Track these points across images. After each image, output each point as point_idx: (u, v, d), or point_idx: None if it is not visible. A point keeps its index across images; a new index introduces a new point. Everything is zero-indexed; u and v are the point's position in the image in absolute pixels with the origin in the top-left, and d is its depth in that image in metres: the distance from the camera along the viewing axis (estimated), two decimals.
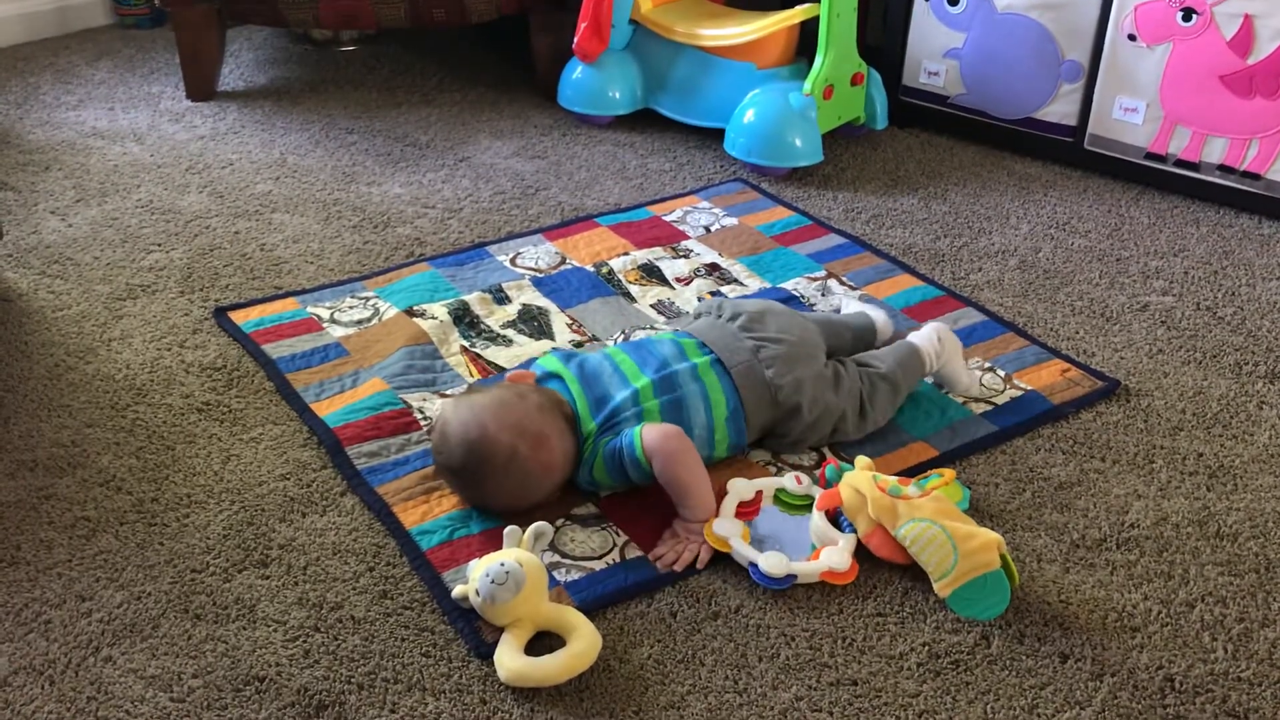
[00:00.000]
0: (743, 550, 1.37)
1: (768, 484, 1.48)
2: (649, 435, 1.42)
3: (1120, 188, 2.35)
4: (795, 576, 1.35)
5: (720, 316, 1.64)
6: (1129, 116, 2.29)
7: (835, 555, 1.38)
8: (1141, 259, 2.11)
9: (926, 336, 1.68)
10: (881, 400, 1.60)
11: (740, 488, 1.46)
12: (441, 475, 1.49)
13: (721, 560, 1.39)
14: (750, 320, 1.60)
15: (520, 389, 1.49)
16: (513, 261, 2.03)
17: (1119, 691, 1.25)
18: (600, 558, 1.40)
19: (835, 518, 1.43)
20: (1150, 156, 2.29)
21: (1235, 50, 2.14)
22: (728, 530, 1.39)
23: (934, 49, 2.49)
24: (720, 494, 1.45)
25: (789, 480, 1.49)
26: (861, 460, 1.47)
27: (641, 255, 2.05)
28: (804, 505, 1.47)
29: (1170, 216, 2.25)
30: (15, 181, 2.28)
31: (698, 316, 1.69)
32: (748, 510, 1.45)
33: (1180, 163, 2.27)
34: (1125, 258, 2.11)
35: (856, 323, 1.77)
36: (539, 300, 1.92)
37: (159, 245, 2.07)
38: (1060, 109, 2.37)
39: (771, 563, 1.34)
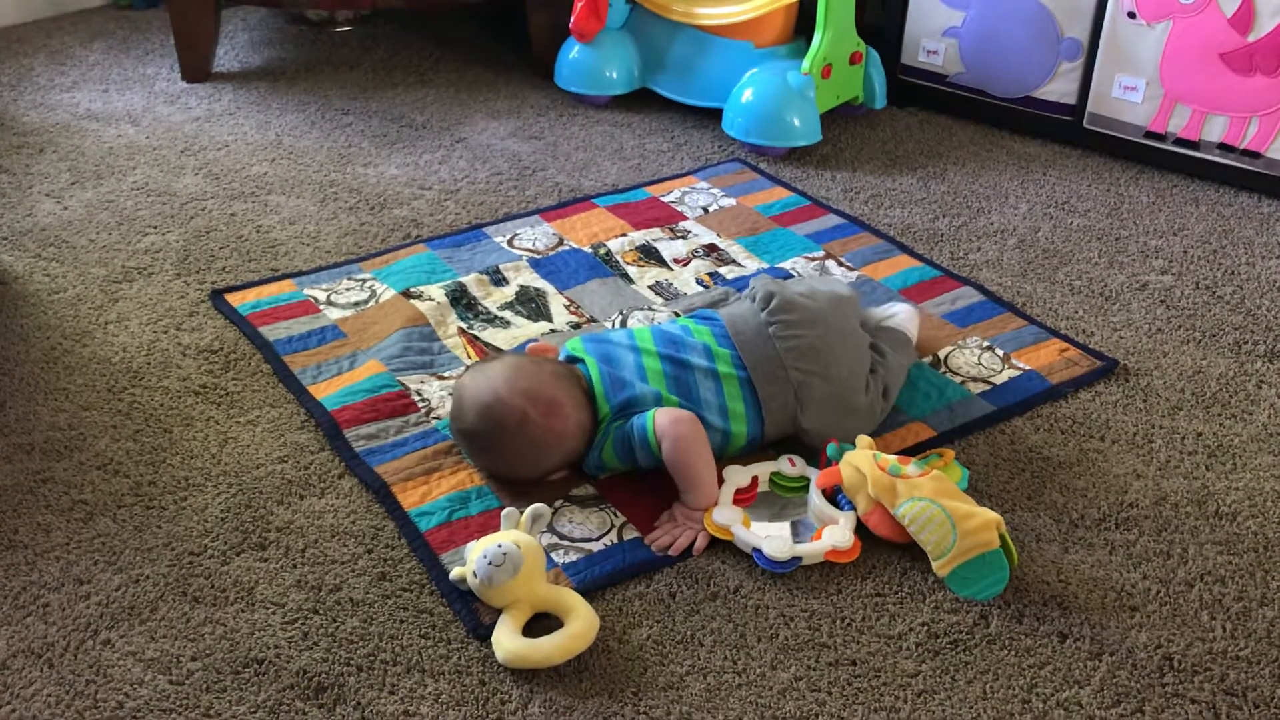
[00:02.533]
0: (745, 537, 1.37)
1: (762, 469, 1.48)
2: (661, 418, 1.42)
3: (1119, 166, 2.35)
4: (800, 559, 1.35)
5: (754, 300, 1.56)
6: (1128, 95, 2.28)
7: (838, 534, 1.38)
8: (1141, 238, 2.10)
9: (909, 328, 1.70)
10: (889, 399, 1.59)
11: (736, 474, 1.45)
12: (457, 441, 1.51)
13: (720, 542, 1.39)
14: (781, 309, 1.52)
15: (538, 359, 1.51)
16: (510, 243, 2.02)
17: (1118, 670, 1.25)
18: (598, 539, 1.40)
19: (833, 496, 1.43)
20: (1150, 135, 2.29)
21: (1236, 27, 2.13)
22: (728, 518, 1.39)
23: (933, 27, 2.48)
24: (717, 482, 1.45)
25: (783, 464, 1.48)
26: (863, 439, 1.46)
27: (639, 236, 2.04)
28: (799, 487, 1.47)
29: (1170, 195, 2.24)
30: (9, 164, 2.27)
31: (728, 298, 1.65)
32: (745, 497, 1.45)
33: (1180, 141, 2.26)
34: (1124, 237, 2.10)
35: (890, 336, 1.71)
36: (536, 282, 1.91)
37: (155, 228, 2.06)
38: (1059, 87, 2.36)
39: (775, 547, 1.34)
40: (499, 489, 1.47)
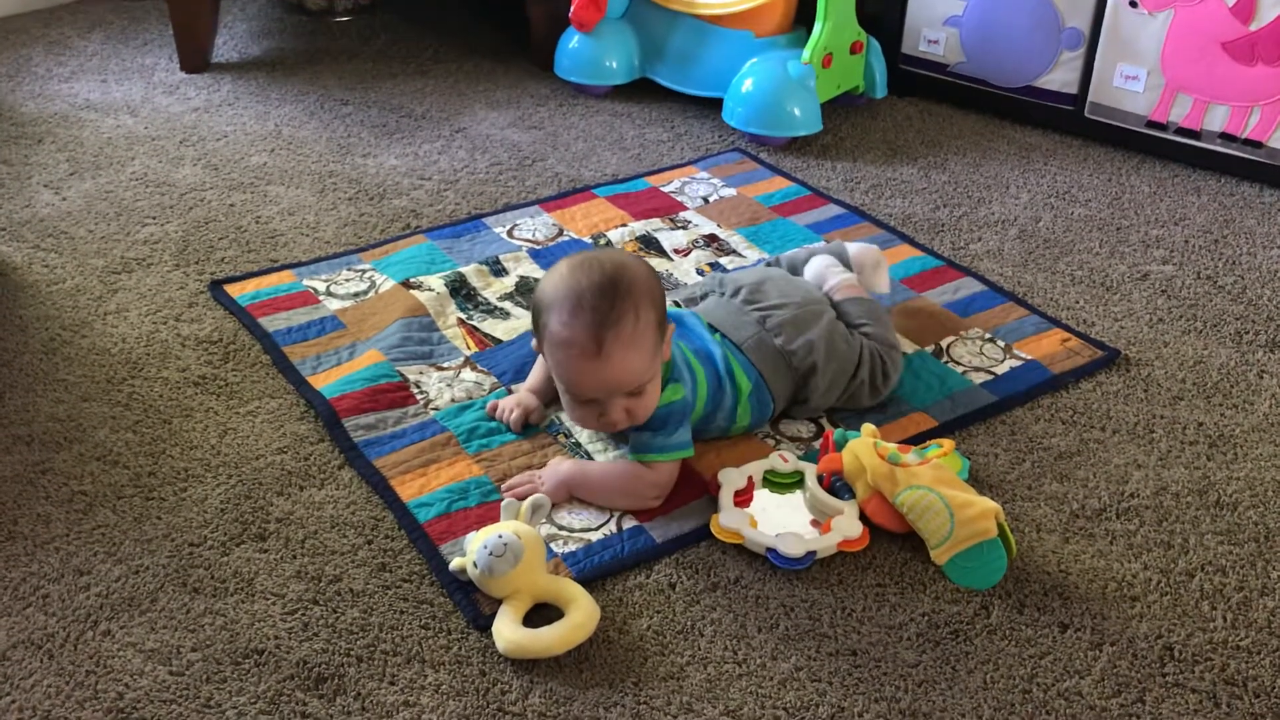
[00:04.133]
0: (755, 538, 1.36)
1: (756, 468, 1.46)
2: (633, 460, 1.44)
3: (1121, 156, 2.34)
4: (815, 553, 1.34)
5: (724, 294, 1.63)
6: (1130, 84, 2.27)
7: (846, 523, 1.37)
8: (1142, 228, 2.10)
9: (846, 279, 1.69)
10: (892, 365, 1.60)
11: (732, 477, 1.44)
12: (552, 309, 1.36)
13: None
14: (751, 292, 1.59)
15: None
16: (509, 233, 2.02)
17: (1118, 660, 1.25)
18: (597, 529, 1.40)
19: (830, 486, 1.43)
20: (1151, 125, 2.28)
21: (1238, 16, 2.12)
22: (735, 521, 1.37)
23: (934, 16, 2.47)
24: (714, 487, 1.44)
25: (775, 460, 1.47)
26: (867, 427, 1.46)
27: (639, 226, 2.04)
28: (794, 483, 1.46)
29: (1171, 185, 2.24)
30: (8, 154, 2.26)
31: (703, 296, 1.67)
32: (744, 499, 1.44)
33: (1181, 131, 2.25)
34: (1125, 227, 2.10)
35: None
36: (536, 272, 1.90)
37: (154, 218, 2.06)
38: (1061, 77, 2.35)
39: (789, 544, 1.34)
40: (498, 479, 1.47)
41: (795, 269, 1.75)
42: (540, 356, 1.59)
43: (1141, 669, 1.24)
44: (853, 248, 1.75)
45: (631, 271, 1.37)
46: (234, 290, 1.84)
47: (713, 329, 1.55)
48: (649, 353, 1.36)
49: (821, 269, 1.71)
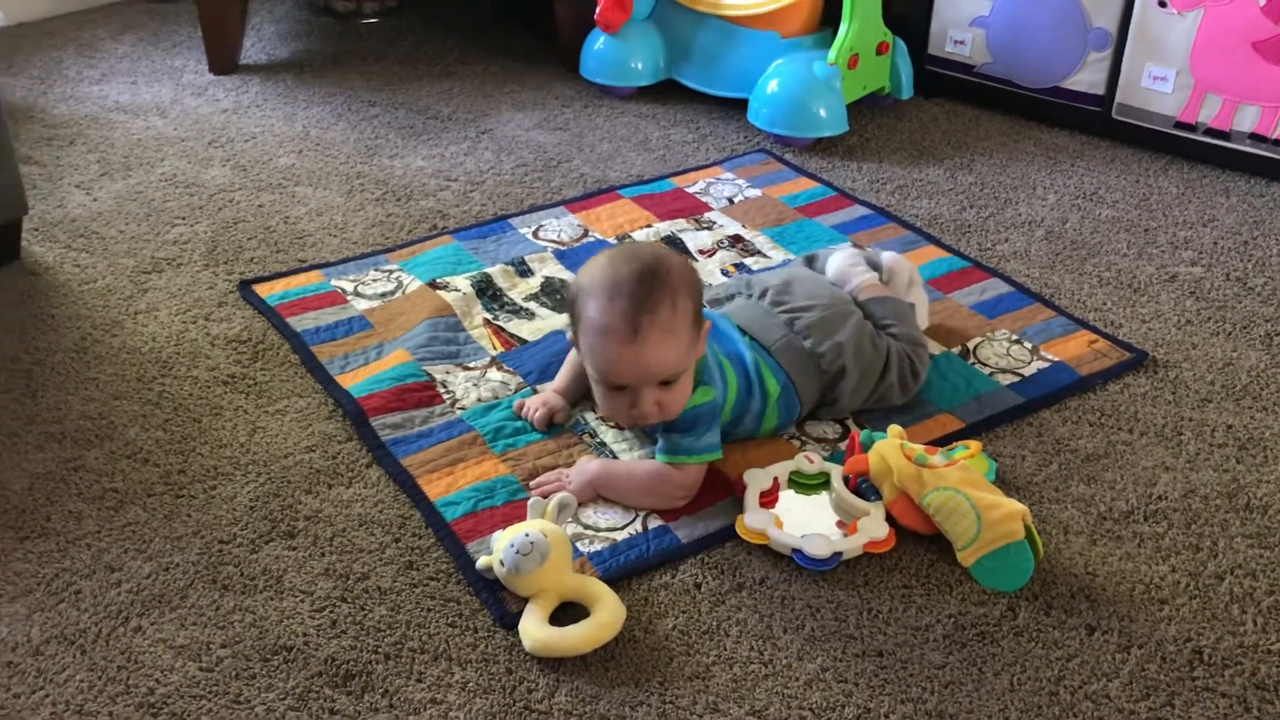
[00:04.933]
0: (782, 539, 1.35)
1: (781, 469, 1.46)
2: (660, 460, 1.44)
3: (1149, 157, 2.33)
4: (841, 554, 1.34)
5: (751, 295, 1.63)
6: (1158, 85, 2.25)
7: (872, 525, 1.37)
8: (1170, 229, 2.08)
9: (867, 278, 1.69)
10: (920, 364, 1.60)
11: (758, 478, 1.44)
12: (590, 295, 1.37)
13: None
14: (778, 293, 1.60)
15: None
16: (535, 234, 2.02)
17: (1147, 663, 1.25)
18: (623, 528, 1.41)
19: (856, 487, 1.43)
20: (1180, 126, 2.26)
21: (1269, 16, 2.10)
22: (761, 522, 1.37)
23: (960, 17, 2.46)
24: (740, 488, 1.44)
25: (801, 461, 1.47)
26: (893, 429, 1.46)
27: (664, 227, 2.04)
28: (820, 484, 1.46)
29: (1200, 186, 2.22)
30: (40, 155, 2.29)
31: (729, 298, 1.67)
32: (769, 500, 1.44)
33: (1210, 131, 2.24)
34: (1153, 228, 2.09)
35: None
36: (561, 273, 1.91)
37: (183, 219, 2.07)
38: (1088, 78, 2.34)
39: (815, 545, 1.34)
40: (524, 478, 1.47)
41: (821, 267, 1.75)
42: (571, 355, 1.59)
43: (1170, 672, 1.24)
44: (888, 256, 1.74)
45: (670, 262, 1.39)
46: (263, 290, 1.85)
47: (742, 332, 1.55)
48: (684, 343, 1.37)
49: (844, 268, 1.70)
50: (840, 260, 1.71)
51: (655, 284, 1.35)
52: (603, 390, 1.41)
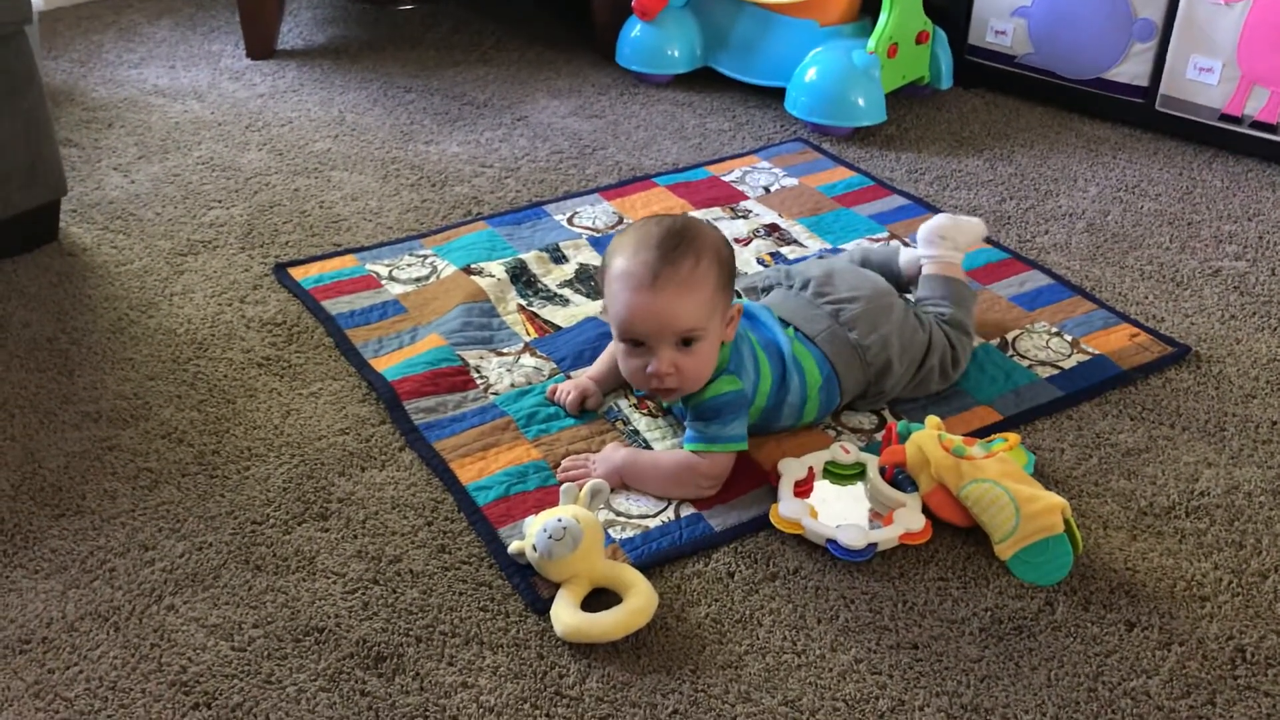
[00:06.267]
0: (817, 529, 1.34)
1: (817, 459, 1.45)
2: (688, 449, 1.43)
3: (1193, 150, 2.29)
4: (876, 545, 1.33)
5: (791, 286, 1.62)
6: (1204, 76, 2.22)
7: (909, 516, 1.36)
8: (1214, 223, 2.05)
9: (945, 256, 1.69)
10: (962, 351, 1.59)
11: (793, 467, 1.43)
12: (618, 251, 1.40)
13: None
14: (820, 284, 1.58)
15: None
16: (570, 221, 2.01)
17: (1188, 661, 1.22)
18: (655, 516, 1.40)
19: (893, 478, 1.41)
20: (1225, 118, 2.23)
21: None
22: (796, 511, 1.36)
23: (1001, 7, 2.43)
24: (774, 477, 1.43)
25: (836, 451, 1.46)
26: (931, 420, 1.44)
27: (699, 215, 2.03)
28: (855, 475, 1.45)
29: (1245, 180, 2.19)
30: (79, 138, 2.30)
31: (767, 289, 1.66)
32: (804, 489, 1.42)
33: (1257, 124, 2.20)
34: (1197, 221, 2.05)
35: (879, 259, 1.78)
36: (596, 260, 1.90)
37: (219, 202, 2.08)
38: (1131, 69, 2.31)
39: (851, 535, 1.32)
40: (556, 464, 1.46)
41: (866, 263, 1.73)
42: (610, 346, 1.58)
43: (1212, 670, 1.22)
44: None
45: (702, 228, 1.42)
46: (298, 273, 1.86)
47: (784, 323, 1.53)
48: (704, 303, 1.37)
49: (933, 237, 1.71)
50: (931, 226, 1.72)
51: (682, 241, 1.38)
52: (624, 349, 1.41)
